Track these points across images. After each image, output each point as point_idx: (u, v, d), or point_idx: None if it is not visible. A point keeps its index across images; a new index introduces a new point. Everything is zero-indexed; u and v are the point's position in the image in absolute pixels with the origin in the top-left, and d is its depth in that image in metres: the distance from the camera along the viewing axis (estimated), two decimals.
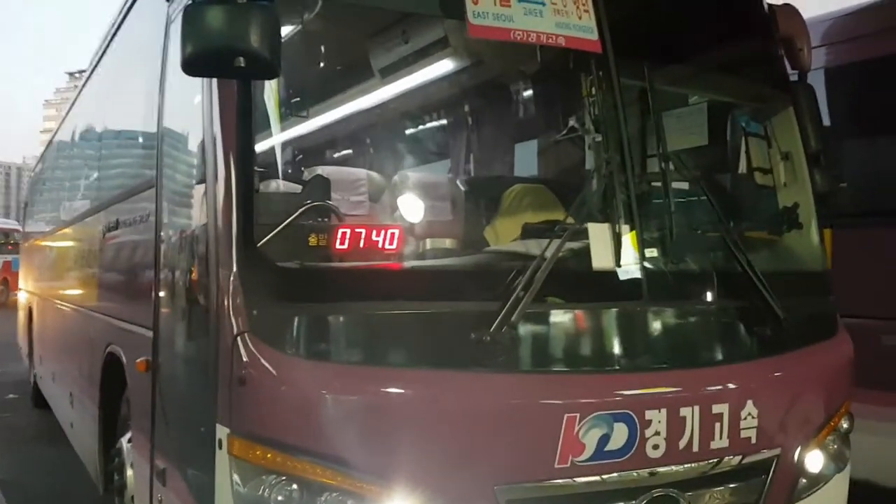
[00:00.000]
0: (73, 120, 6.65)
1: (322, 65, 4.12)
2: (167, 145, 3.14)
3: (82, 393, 4.88)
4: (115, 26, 4.63)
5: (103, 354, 4.04)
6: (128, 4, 4.22)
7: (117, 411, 3.94)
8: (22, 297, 10.10)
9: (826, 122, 5.24)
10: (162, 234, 3.10)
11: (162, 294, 3.03)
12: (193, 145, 2.72)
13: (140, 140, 3.83)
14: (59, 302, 6.39)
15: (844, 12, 5.56)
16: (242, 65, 1.94)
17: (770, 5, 3.39)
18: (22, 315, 9.60)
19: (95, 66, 5.42)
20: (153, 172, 3.23)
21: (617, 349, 2.59)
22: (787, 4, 3.48)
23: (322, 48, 3.95)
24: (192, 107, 2.64)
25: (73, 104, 6.93)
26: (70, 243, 6.12)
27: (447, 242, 3.01)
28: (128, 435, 3.67)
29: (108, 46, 4.92)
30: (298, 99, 3.81)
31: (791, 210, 3.21)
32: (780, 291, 2.79)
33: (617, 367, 2.56)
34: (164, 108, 3.16)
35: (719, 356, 2.79)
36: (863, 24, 5.37)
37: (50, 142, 8.45)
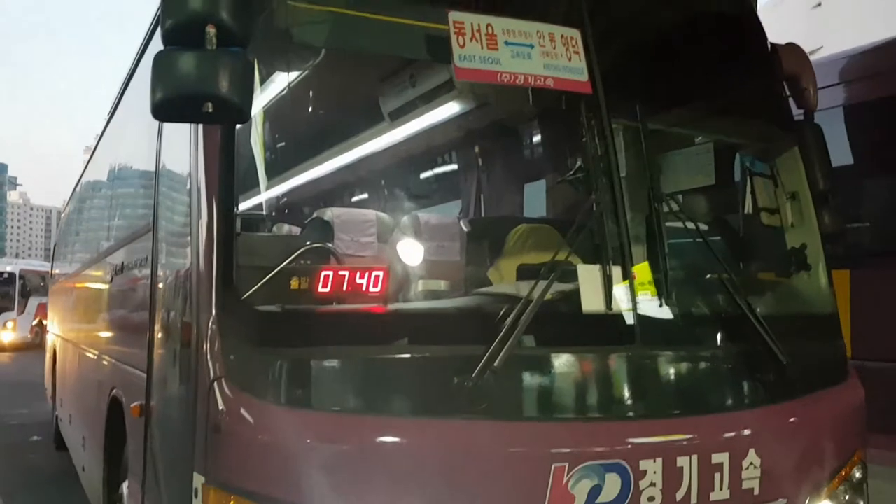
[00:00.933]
0: (94, 165, 6.81)
1: (326, 109, 4.17)
2: (163, 189, 3.17)
3: (91, 436, 4.89)
4: (129, 72, 4.73)
5: (108, 398, 4.04)
6: (139, 52, 4.31)
7: (122, 456, 3.92)
8: (49, 339, 10.24)
9: (848, 159, 5.19)
10: (157, 277, 3.11)
11: (155, 338, 3.03)
12: (184, 189, 2.73)
13: (141, 184, 3.89)
14: (74, 344, 6.46)
15: (866, 48, 5.50)
16: (210, 110, 1.95)
17: (773, 45, 3.35)
18: (48, 356, 9.74)
19: (113, 111, 5.55)
20: (151, 216, 3.26)
21: (608, 395, 2.51)
22: (791, 44, 3.44)
23: (326, 93, 4.00)
24: (182, 151, 2.66)
25: (94, 149, 7.10)
26: (85, 286, 6.20)
27: (441, 284, 2.96)
28: (127, 481, 3.64)
29: (123, 92, 5.04)
30: (296, 145, 3.85)
31: (797, 251, 3.12)
32: (784, 335, 2.69)
33: (609, 415, 2.47)
34: (162, 152, 3.20)
35: (718, 403, 2.68)
36: (884, 61, 5.30)
37: (75, 186, 8.64)
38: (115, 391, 3.95)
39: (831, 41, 11.60)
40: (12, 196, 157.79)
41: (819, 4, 17.30)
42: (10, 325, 23.13)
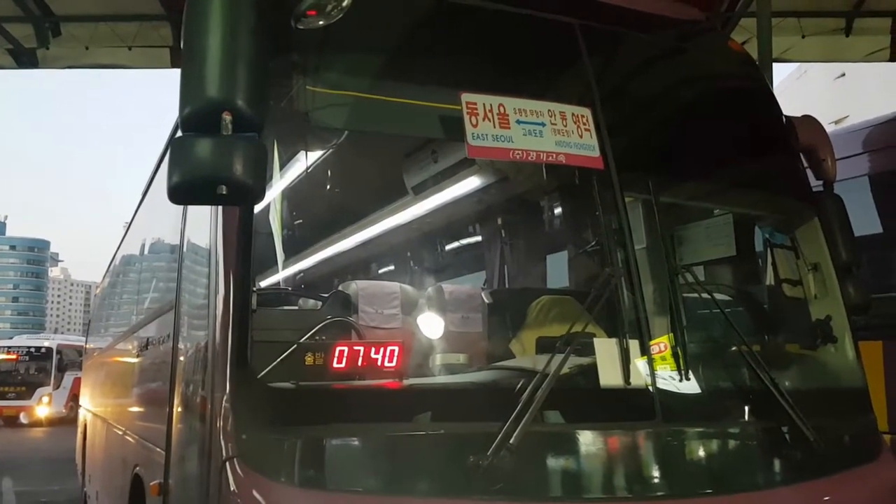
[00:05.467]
0: (127, 241, 6.98)
1: (350, 185, 4.26)
2: (186, 265, 3.24)
3: None
4: (161, 155, 4.89)
5: (131, 476, 4.03)
6: (170, 135, 4.47)
7: None
8: (80, 414, 10.30)
9: (879, 229, 5.13)
10: (178, 353, 3.14)
11: (174, 414, 3.04)
12: (205, 266, 2.79)
13: (167, 261, 3.97)
14: (103, 419, 6.50)
15: (883, 120, 5.51)
16: (224, 192, 2.00)
17: (788, 117, 3.37)
18: (79, 432, 9.77)
19: (145, 191, 5.72)
20: (174, 292, 3.32)
21: (629, 474, 2.44)
22: (807, 116, 3.46)
23: (350, 170, 4.09)
24: (204, 230, 2.73)
25: (128, 226, 7.28)
26: (113, 361, 6.28)
27: (460, 358, 2.94)
28: None
29: (154, 174, 5.20)
30: (316, 221, 3.92)
31: (822, 323, 3.06)
32: (811, 411, 2.62)
33: (629, 495, 2.40)
34: (186, 230, 3.28)
35: (742, 483, 2.57)
36: None
37: (110, 262, 8.84)
38: (137, 468, 3.94)
39: (856, 110, 11.63)
40: (54, 272, 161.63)
41: (843, 75, 17.43)
42: (45, 399, 23.36)
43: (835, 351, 3.04)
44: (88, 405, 9.04)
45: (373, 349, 2.41)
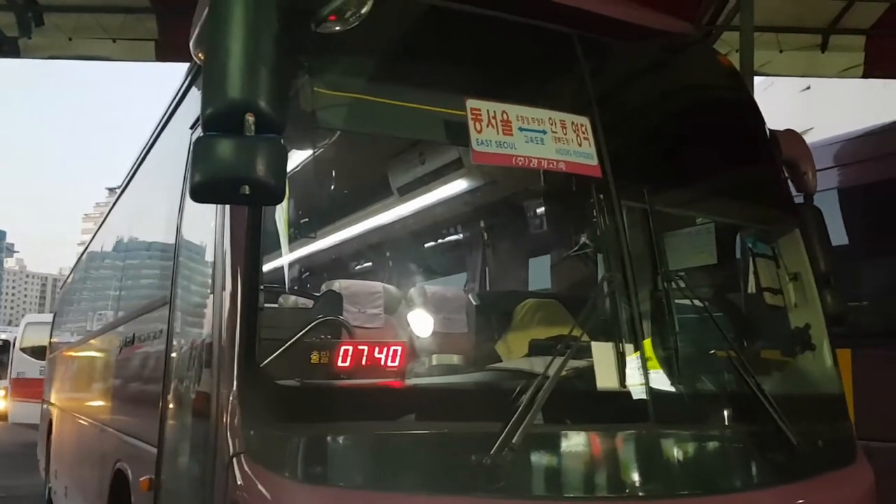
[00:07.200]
0: (103, 235, 6.88)
1: (340, 186, 4.28)
2: (182, 264, 3.23)
3: None
4: (147, 147, 4.86)
5: (112, 471, 4.00)
6: (158, 127, 4.45)
7: None
8: (44, 409, 10.11)
9: (846, 241, 5.30)
10: (172, 350, 3.13)
11: (167, 410, 3.04)
12: (205, 263, 2.80)
13: (158, 256, 3.95)
14: (75, 414, 6.40)
15: (852, 135, 5.69)
16: (248, 192, 2.02)
17: (772, 131, 3.49)
18: (43, 427, 9.59)
19: (126, 184, 5.66)
20: (168, 289, 3.31)
21: (622, 474, 2.52)
22: (789, 130, 3.59)
23: (340, 170, 4.11)
24: (205, 226, 2.74)
25: (104, 219, 7.18)
26: (89, 356, 6.19)
27: (455, 358, 3.00)
28: None
29: (139, 166, 5.15)
30: (308, 220, 3.95)
31: (802, 331, 3.18)
32: (792, 415, 2.72)
33: (622, 494, 2.47)
34: (182, 227, 3.28)
35: (730, 484, 2.68)
36: (869, 148, 5.49)
37: (81, 255, 8.69)
38: (119, 464, 3.92)
39: (821, 122, 11.96)
40: (9, 263, 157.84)
41: (808, 88, 17.90)
42: (1, 392, 22.78)
43: (814, 358, 3.15)
44: (54, 399, 8.88)
45: (377, 348, 2.45)
